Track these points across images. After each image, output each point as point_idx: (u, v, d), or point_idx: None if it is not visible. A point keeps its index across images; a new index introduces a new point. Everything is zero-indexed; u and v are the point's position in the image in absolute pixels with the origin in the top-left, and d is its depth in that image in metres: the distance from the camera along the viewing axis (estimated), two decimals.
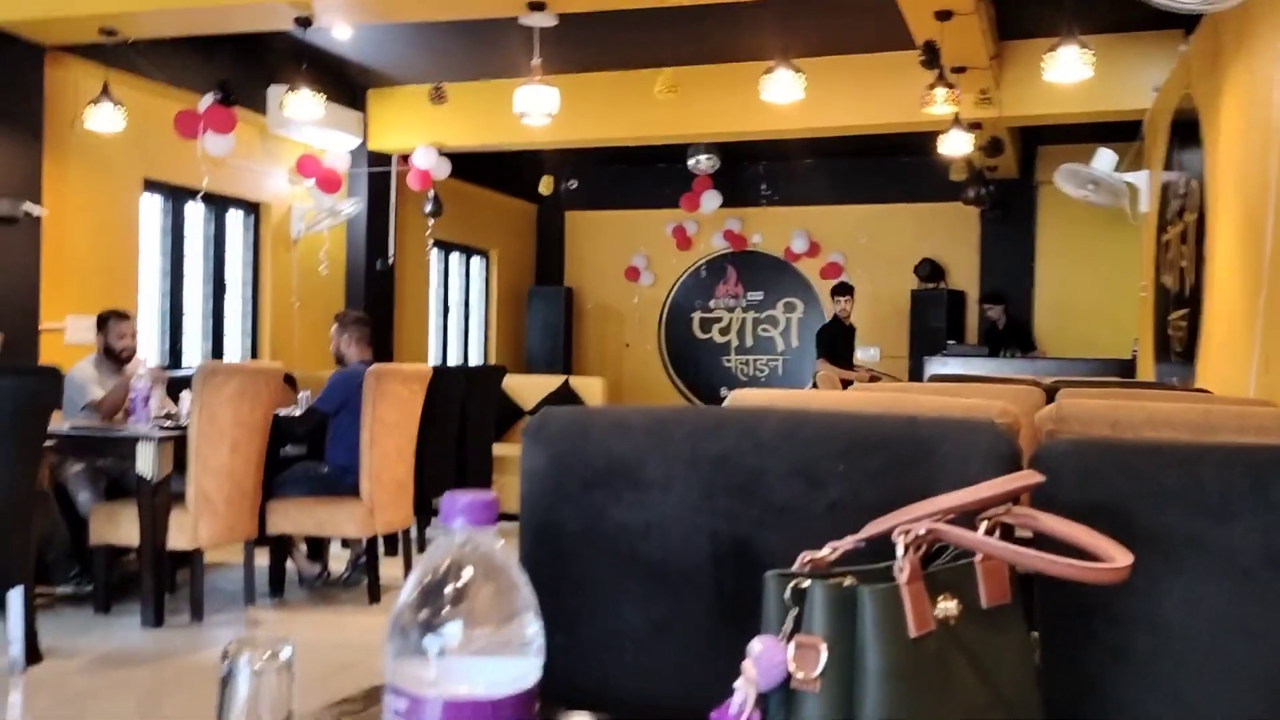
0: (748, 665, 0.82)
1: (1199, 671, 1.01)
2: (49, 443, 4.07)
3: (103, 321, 5.28)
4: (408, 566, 5.50)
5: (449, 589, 0.60)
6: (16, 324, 5.80)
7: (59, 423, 4.54)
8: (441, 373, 5.71)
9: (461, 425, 6.32)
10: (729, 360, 11.27)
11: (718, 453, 1.21)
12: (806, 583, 0.82)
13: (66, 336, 6.22)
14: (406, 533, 5.49)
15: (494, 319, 11.17)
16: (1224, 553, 1.01)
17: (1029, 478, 0.84)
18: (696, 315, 11.44)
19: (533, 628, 0.61)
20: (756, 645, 0.82)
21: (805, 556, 0.85)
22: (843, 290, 8.74)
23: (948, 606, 0.85)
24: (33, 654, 3.75)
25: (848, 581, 0.82)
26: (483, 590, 0.61)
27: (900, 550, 0.82)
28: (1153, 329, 6.93)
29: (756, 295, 11.23)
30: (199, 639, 4.30)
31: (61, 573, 4.72)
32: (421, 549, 6.28)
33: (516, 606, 0.61)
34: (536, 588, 1.29)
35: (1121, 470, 1.05)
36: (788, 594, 0.83)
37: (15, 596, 3.69)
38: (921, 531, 0.81)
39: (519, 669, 0.60)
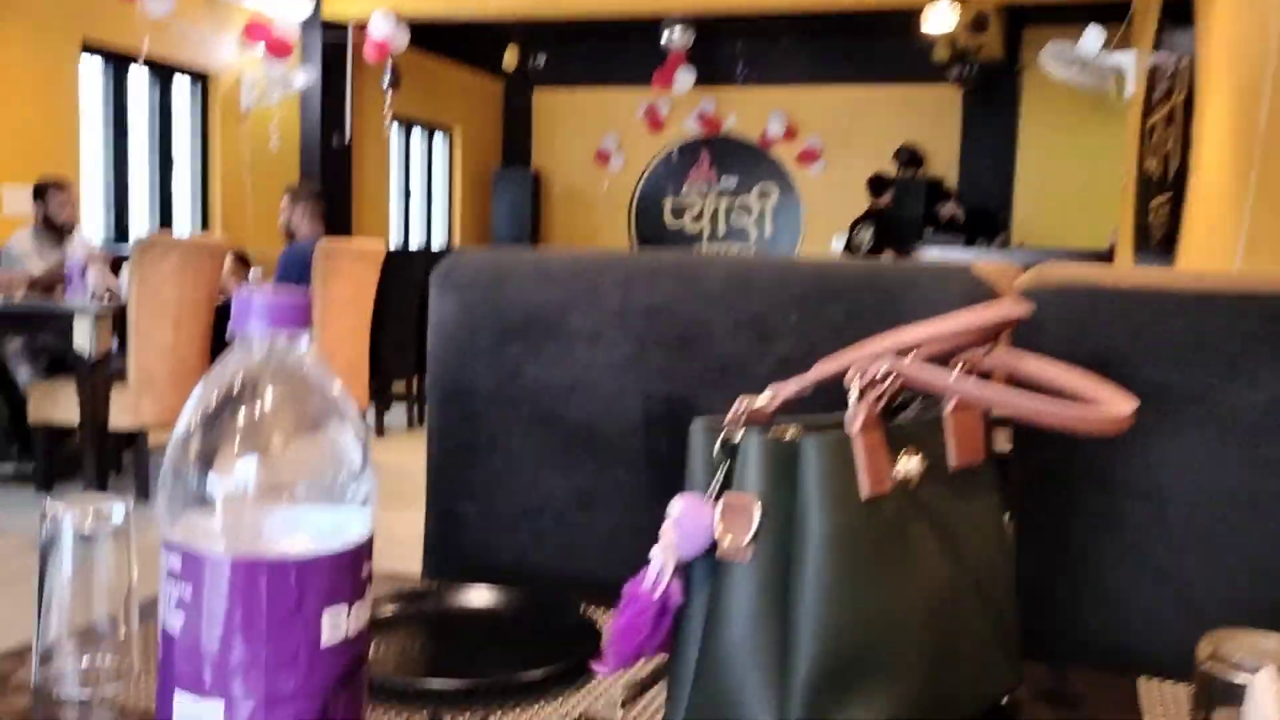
0: (666, 529, 0.68)
1: (1193, 546, 0.89)
2: None
3: (40, 191, 5.03)
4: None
5: (241, 416, 0.45)
6: None
7: None
8: (400, 255, 5.52)
9: (421, 310, 6.14)
10: (701, 249, 11.07)
11: (653, 303, 1.06)
12: (740, 433, 0.67)
13: (3, 208, 5.94)
14: (363, 414, 5.36)
15: (458, 202, 10.87)
16: (1230, 412, 0.87)
17: (1013, 307, 0.68)
18: (668, 202, 11.19)
19: (358, 467, 0.46)
20: (677, 505, 0.67)
21: (741, 403, 0.70)
22: (882, 185, 8.56)
23: (909, 465, 0.71)
24: None
25: (790, 433, 0.67)
26: (288, 417, 0.45)
27: (854, 394, 0.67)
28: (1133, 218, 6.80)
29: (731, 181, 10.97)
30: (143, 519, 4.16)
31: (2, 451, 4.57)
32: (380, 433, 6.17)
33: (336, 439, 0.46)
34: (446, 453, 1.15)
35: (1117, 318, 0.91)
36: (717, 447, 0.68)
37: None
38: (882, 371, 0.66)
39: (337, 521, 0.45)
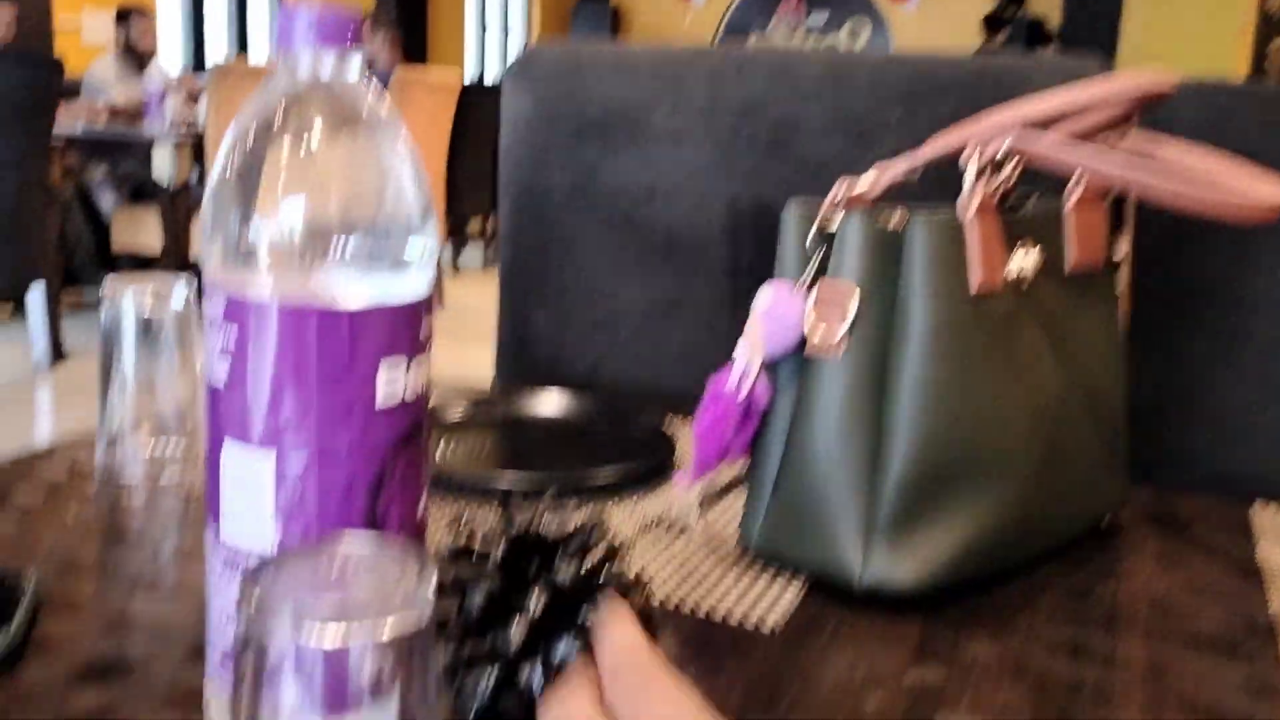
0: (752, 323, 0.62)
1: None
2: (60, 143, 3.90)
3: (123, 16, 4.99)
4: (440, 293, 5.40)
5: (285, 151, 0.40)
6: (29, 25, 5.50)
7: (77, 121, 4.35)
8: (476, 89, 5.39)
9: (497, 147, 6.04)
10: None
11: (742, 100, 0.98)
12: (839, 218, 0.61)
13: (84, 35, 5.92)
14: (439, 253, 5.36)
15: (535, 36, 10.62)
16: None
17: (1155, 77, 0.60)
18: (753, 38, 10.79)
19: (417, 216, 0.41)
20: (765, 296, 0.62)
21: (841, 185, 0.64)
22: (998, 25, 8.04)
23: (1025, 260, 0.64)
24: (57, 353, 3.72)
25: (895, 219, 0.61)
26: (338, 154, 0.40)
27: (971, 173, 0.60)
28: (1249, 62, 6.38)
29: (820, 18, 10.50)
30: None
31: (88, 277, 4.66)
32: (456, 271, 6.18)
33: (394, 183, 0.41)
34: (518, 259, 1.10)
35: (1256, 117, 0.81)
36: (812, 233, 0.62)
37: (35, 293, 3.62)
38: (1004, 148, 0.59)
39: (393, 273, 0.40)
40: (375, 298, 0.40)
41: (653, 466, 0.78)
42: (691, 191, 0.98)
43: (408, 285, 0.41)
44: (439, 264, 5.39)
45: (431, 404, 0.85)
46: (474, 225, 6.54)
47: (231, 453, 0.41)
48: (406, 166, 0.42)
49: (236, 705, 0.35)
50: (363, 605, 0.33)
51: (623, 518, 0.72)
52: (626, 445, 0.82)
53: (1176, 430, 0.84)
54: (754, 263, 0.97)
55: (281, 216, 0.40)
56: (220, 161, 0.41)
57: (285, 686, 0.34)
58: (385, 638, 0.33)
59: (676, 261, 0.99)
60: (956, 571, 0.60)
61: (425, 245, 0.42)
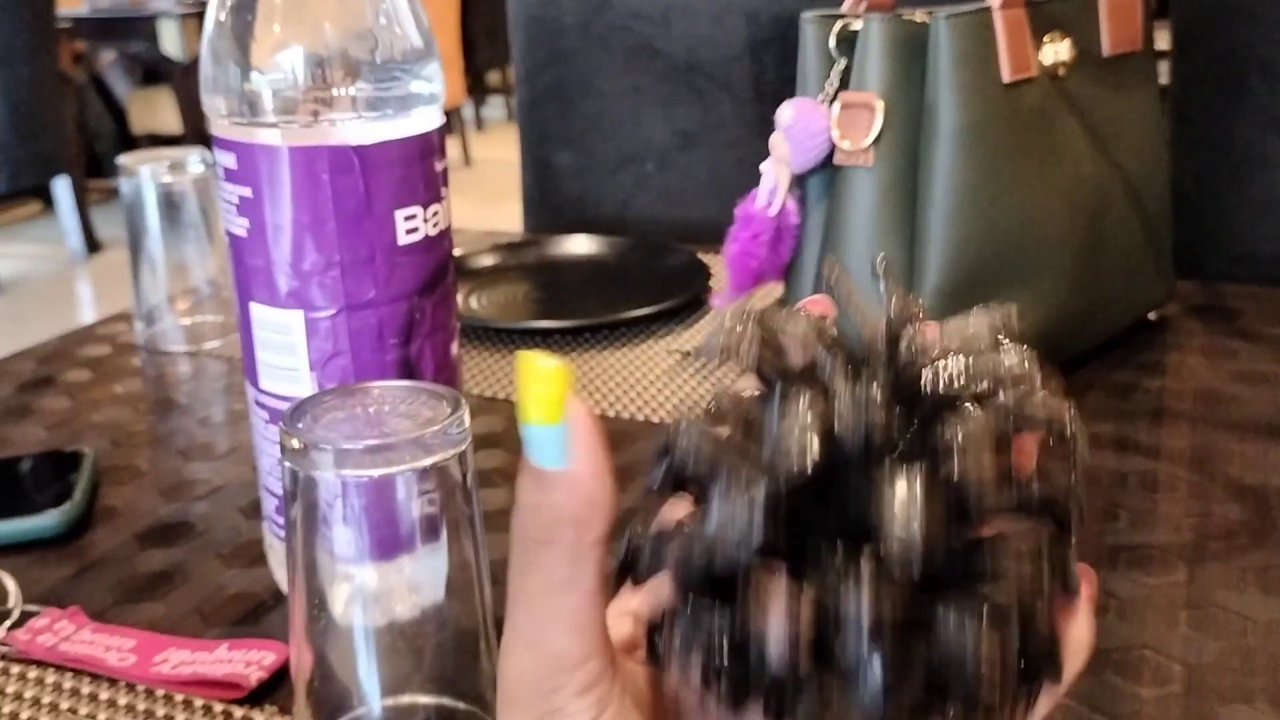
0: (776, 140, 0.61)
1: None
2: (66, 25, 3.83)
3: None
4: (465, 150, 5.33)
5: None
6: None
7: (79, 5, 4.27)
8: None
9: None
10: None
11: None
12: (860, 21, 0.59)
13: None
14: (458, 111, 5.27)
15: None
16: None
17: None
18: None
19: (419, 46, 0.40)
20: (787, 111, 0.60)
21: None
22: None
23: (1058, 50, 0.61)
24: (91, 244, 3.75)
25: (919, 16, 0.58)
26: (339, 3, 0.39)
27: None
28: None
29: None
30: None
31: (111, 165, 4.65)
32: (479, 128, 6.09)
33: (391, 22, 0.39)
34: (535, 99, 1.08)
35: None
36: (833, 39, 0.60)
37: (62, 186, 3.62)
38: None
39: (401, 107, 0.39)
40: (384, 133, 0.39)
41: (690, 299, 0.77)
42: (708, 9, 0.95)
43: (416, 121, 0.40)
44: (461, 120, 5.32)
45: (459, 253, 0.85)
46: (494, 77, 6.41)
47: (261, 315, 0.40)
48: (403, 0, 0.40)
49: (292, 550, 0.36)
50: (401, 438, 0.33)
51: (660, 350, 0.72)
52: (662, 280, 0.81)
53: (1229, 218, 0.82)
54: (778, 83, 0.94)
55: (281, 62, 0.39)
56: (212, 10, 0.39)
57: (336, 526, 0.35)
58: (425, 465, 0.33)
59: (699, 87, 0.96)
60: None
61: (429, 74, 0.41)
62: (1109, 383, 0.64)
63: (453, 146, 5.37)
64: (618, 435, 0.60)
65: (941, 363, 0.23)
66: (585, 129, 1.00)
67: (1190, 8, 0.80)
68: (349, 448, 0.33)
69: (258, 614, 0.46)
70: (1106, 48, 0.64)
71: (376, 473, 0.33)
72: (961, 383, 0.23)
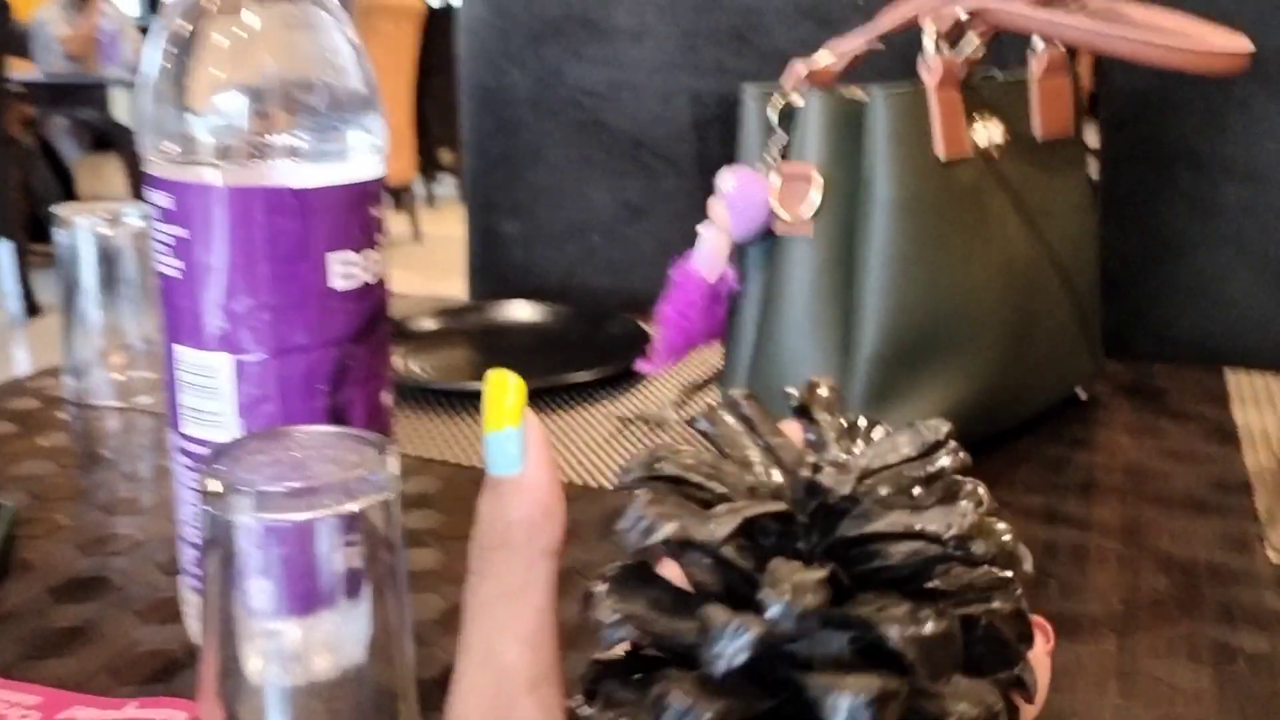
0: (716, 206, 0.62)
1: None
2: (18, 90, 3.81)
3: None
4: (414, 225, 5.35)
5: (218, 37, 0.38)
6: None
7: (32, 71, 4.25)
8: (443, 14, 5.29)
9: None
10: None
11: None
12: (800, 96, 0.60)
13: None
14: (409, 188, 5.30)
15: None
16: None
17: None
18: None
19: (361, 94, 0.40)
20: (728, 180, 0.61)
21: (798, 66, 0.63)
22: None
23: (990, 131, 0.63)
24: (31, 307, 3.69)
25: (857, 93, 0.60)
26: (274, 37, 0.39)
27: (929, 42, 0.59)
28: None
29: None
30: None
31: None
32: (430, 204, 6.12)
33: (333, 61, 0.40)
34: (484, 169, 1.09)
35: None
36: (773, 113, 0.61)
37: (4, 249, 3.57)
38: (963, 15, 0.58)
39: (341, 154, 0.39)
40: (324, 178, 0.39)
41: (629, 367, 0.77)
42: (655, 88, 0.97)
43: (356, 167, 0.40)
44: (412, 196, 5.34)
45: (401, 316, 0.85)
46: (446, 156, 6.46)
47: (186, 357, 0.40)
48: (346, 46, 0.40)
49: (207, 602, 0.35)
50: (325, 482, 0.32)
51: (601, 416, 0.71)
52: (602, 347, 0.81)
53: (1153, 299, 0.84)
54: (721, 159, 0.96)
55: (221, 105, 0.39)
56: (150, 51, 0.39)
57: (253, 577, 0.34)
58: (350, 510, 0.32)
59: (645, 161, 0.98)
60: None
61: (370, 125, 0.41)
62: (1040, 456, 0.65)
63: (403, 222, 5.38)
64: None
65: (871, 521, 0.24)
66: (533, 199, 1.01)
67: (1119, 96, 0.83)
68: (270, 490, 0.32)
69: (171, 671, 0.45)
70: (1039, 132, 0.66)
71: (298, 517, 0.32)
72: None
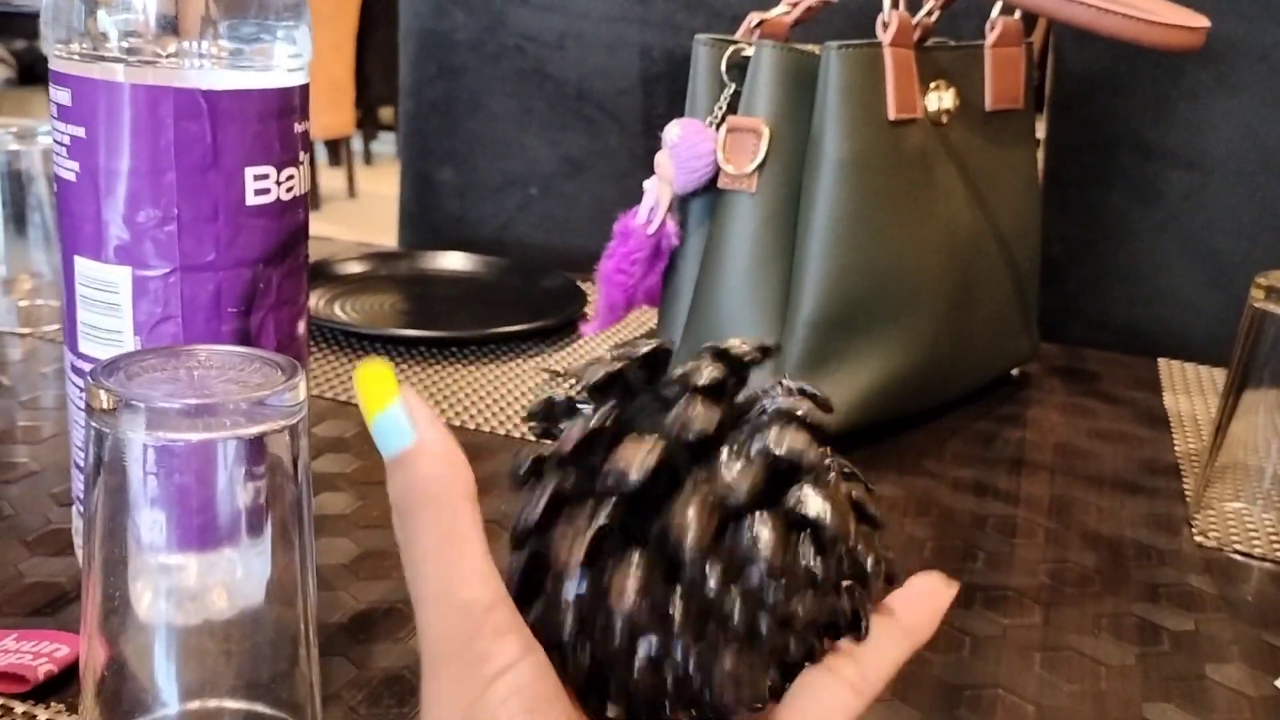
0: (661, 158, 0.60)
1: (1236, 223, 0.81)
2: None
3: None
4: (350, 182, 5.25)
5: None
6: None
7: None
8: None
9: None
10: None
11: None
12: (752, 48, 0.58)
13: None
14: (348, 141, 5.19)
15: None
16: None
17: None
18: None
19: (284, 11, 0.37)
20: (674, 130, 0.59)
21: (754, 18, 0.61)
22: None
23: (942, 97, 0.62)
24: None
25: (811, 48, 0.58)
26: None
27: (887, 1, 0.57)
28: None
29: None
30: None
31: None
32: (368, 162, 6.00)
33: None
34: (421, 113, 1.05)
35: None
36: (724, 64, 0.59)
37: None
38: None
39: (260, 58, 0.37)
40: (239, 82, 0.36)
41: (563, 322, 0.75)
42: (603, 39, 0.94)
43: (277, 75, 0.37)
44: (350, 152, 5.23)
45: (327, 257, 0.82)
46: (386, 113, 6.33)
47: (86, 270, 0.37)
48: None
49: (90, 529, 0.32)
50: (225, 400, 0.30)
51: (530, 369, 0.69)
52: (535, 302, 0.79)
53: (1091, 284, 0.84)
54: (668, 118, 0.94)
55: (132, 2, 0.36)
56: None
57: (144, 507, 0.32)
58: (252, 433, 0.30)
59: (589, 115, 0.95)
60: (866, 413, 0.59)
61: (299, 42, 0.38)
62: (971, 431, 0.64)
63: (338, 178, 5.27)
64: (477, 448, 0.58)
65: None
66: (470, 147, 0.98)
67: (1067, 78, 0.82)
68: (164, 406, 0.29)
69: (57, 605, 0.42)
70: (989, 102, 0.65)
71: (195, 437, 0.30)
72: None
